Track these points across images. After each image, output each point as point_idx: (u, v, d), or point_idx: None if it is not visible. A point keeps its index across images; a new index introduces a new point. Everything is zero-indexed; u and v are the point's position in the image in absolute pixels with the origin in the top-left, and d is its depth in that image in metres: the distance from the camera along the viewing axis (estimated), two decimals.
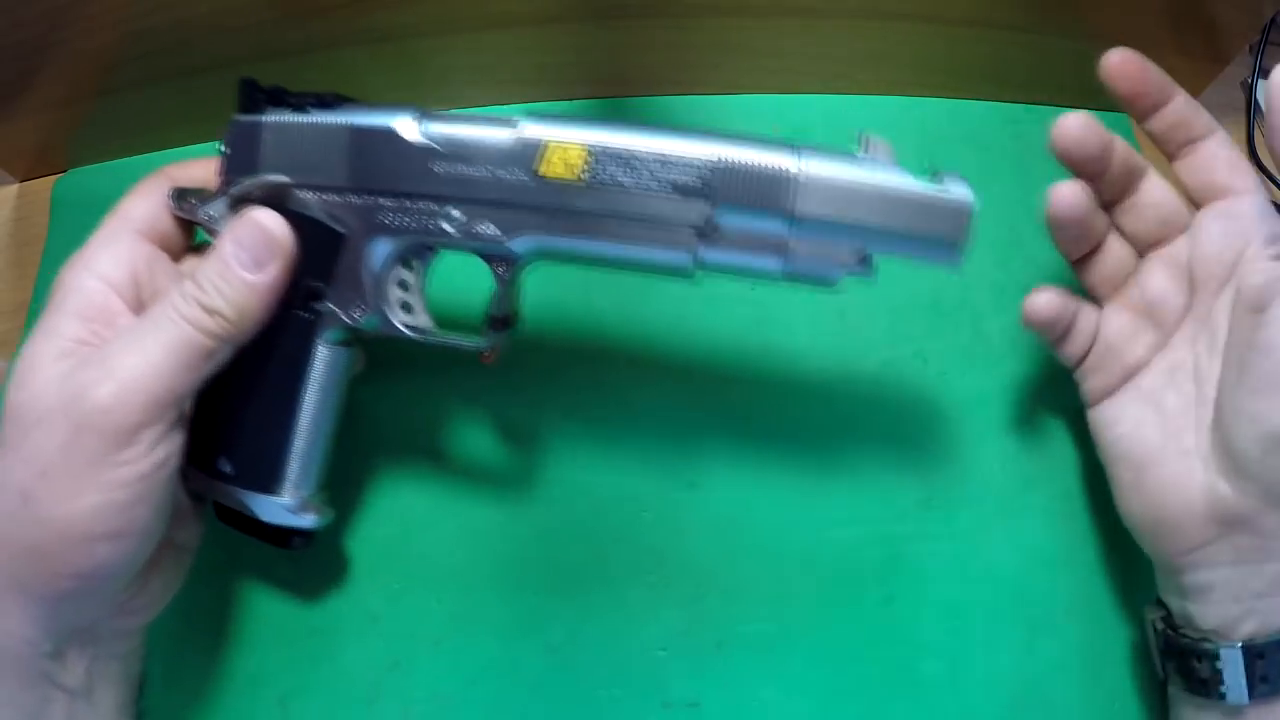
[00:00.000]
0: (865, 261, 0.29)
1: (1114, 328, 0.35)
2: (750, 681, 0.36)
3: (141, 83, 0.43)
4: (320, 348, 0.32)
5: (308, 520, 0.33)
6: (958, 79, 0.47)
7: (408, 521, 0.38)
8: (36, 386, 0.27)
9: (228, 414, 0.32)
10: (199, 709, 0.35)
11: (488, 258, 0.31)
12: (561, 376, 0.40)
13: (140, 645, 0.32)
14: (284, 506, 0.32)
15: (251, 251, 0.29)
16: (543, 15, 0.43)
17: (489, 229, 0.30)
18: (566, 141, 0.29)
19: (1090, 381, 0.36)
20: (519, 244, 0.30)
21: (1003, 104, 0.48)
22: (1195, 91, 0.48)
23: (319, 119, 0.31)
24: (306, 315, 0.32)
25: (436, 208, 0.30)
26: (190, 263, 0.33)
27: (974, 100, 0.48)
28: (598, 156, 0.29)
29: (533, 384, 0.40)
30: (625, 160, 0.29)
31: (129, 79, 0.43)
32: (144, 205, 0.31)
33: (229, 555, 0.36)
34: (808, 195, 0.28)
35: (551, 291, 0.36)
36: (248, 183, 0.31)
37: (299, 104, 0.31)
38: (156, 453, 0.27)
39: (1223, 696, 0.30)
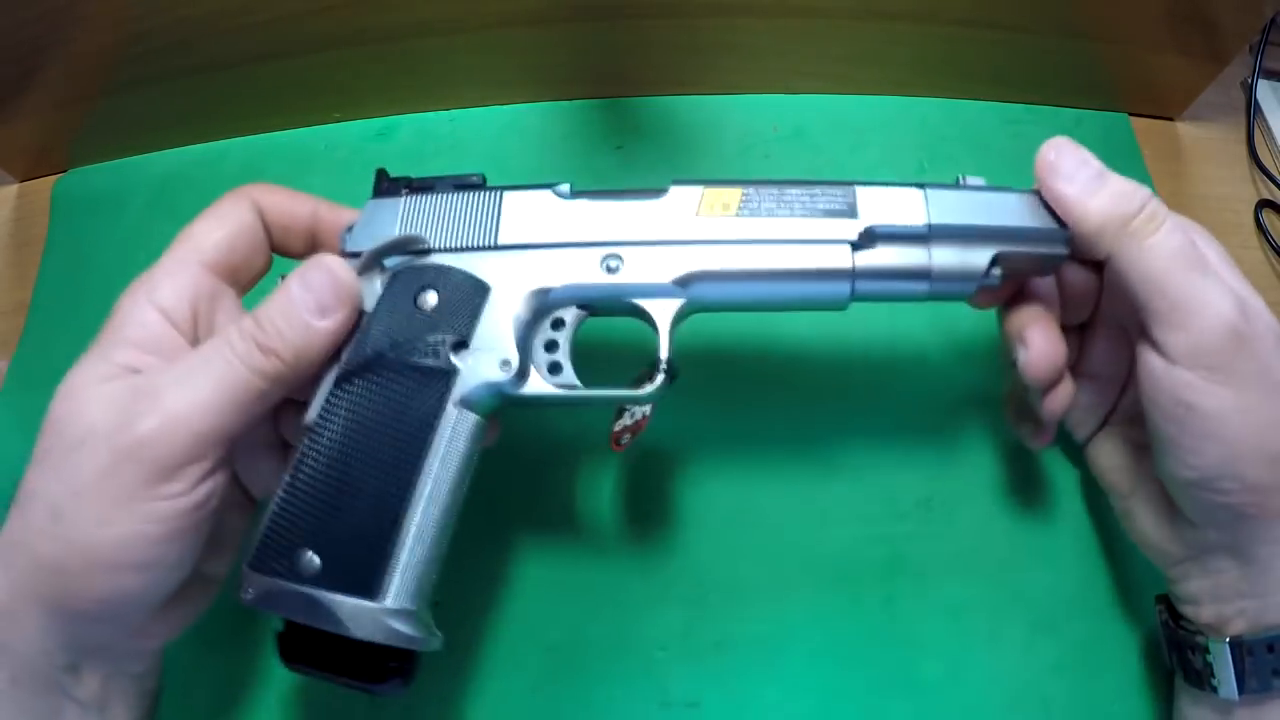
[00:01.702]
0: (993, 266, 0.31)
1: (1081, 392, 0.36)
2: (750, 681, 0.36)
3: (141, 83, 0.43)
4: (452, 410, 0.28)
5: (411, 639, 0.27)
6: (958, 79, 0.47)
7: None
8: (81, 405, 0.27)
9: (324, 493, 0.27)
10: (199, 709, 0.35)
11: (644, 308, 0.31)
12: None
13: (158, 663, 0.31)
14: (383, 614, 0.26)
15: (318, 295, 0.28)
16: (543, 15, 0.43)
17: (651, 272, 0.30)
18: (721, 188, 0.31)
19: (1073, 422, 0.37)
20: (682, 284, 0.30)
21: (1003, 104, 0.48)
22: (1195, 91, 0.49)
23: (465, 194, 0.31)
24: (442, 368, 0.29)
25: (593, 255, 0.30)
26: None
27: (974, 100, 0.48)
28: (750, 195, 0.30)
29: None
30: (776, 195, 0.31)
31: (129, 79, 0.43)
32: (219, 233, 0.30)
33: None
34: (937, 204, 0.30)
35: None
36: (382, 244, 0.30)
37: (440, 187, 0.31)
38: (197, 492, 0.27)
39: (1215, 689, 0.30)
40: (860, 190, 0.31)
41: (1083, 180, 0.30)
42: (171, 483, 0.26)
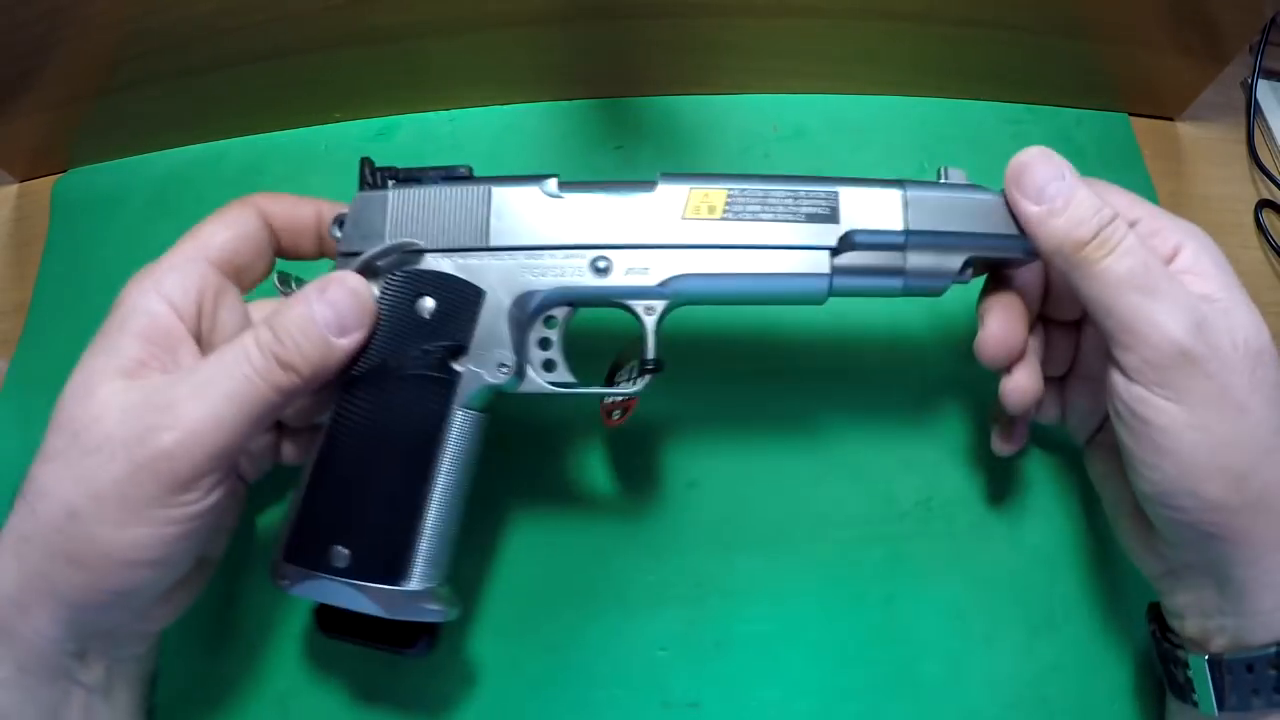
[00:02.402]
0: (966, 268, 0.32)
1: (1074, 392, 0.36)
2: (750, 681, 0.36)
3: (141, 83, 0.43)
4: (458, 412, 0.30)
5: (436, 614, 0.30)
6: (958, 79, 0.47)
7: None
8: (97, 410, 0.27)
9: (347, 495, 0.30)
10: (199, 709, 0.35)
11: (632, 305, 0.32)
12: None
13: (157, 645, 0.33)
14: (410, 598, 0.29)
15: (339, 314, 0.29)
16: (543, 15, 0.43)
17: (638, 274, 0.31)
18: (707, 189, 0.31)
19: (1071, 424, 0.37)
20: (669, 284, 0.31)
21: (1003, 104, 0.48)
22: (1195, 91, 0.49)
23: (453, 188, 0.31)
24: (444, 377, 0.30)
25: (582, 257, 0.31)
26: (261, 307, 0.32)
27: (974, 100, 0.48)
28: (735, 197, 0.31)
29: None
30: (761, 197, 0.31)
31: (129, 79, 0.43)
32: (225, 234, 0.31)
33: (229, 555, 0.36)
34: (915, 209, 0.32)
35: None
36: (379, 248, 0.30)
37: (429, 178, 0.32)
38: (211, 497, 0.28)
39: (1196, 704, 0.31)
40: (843, 192, 0.32)
41: (1047, 199, 0.30)
42: (189, 493, 0.27)
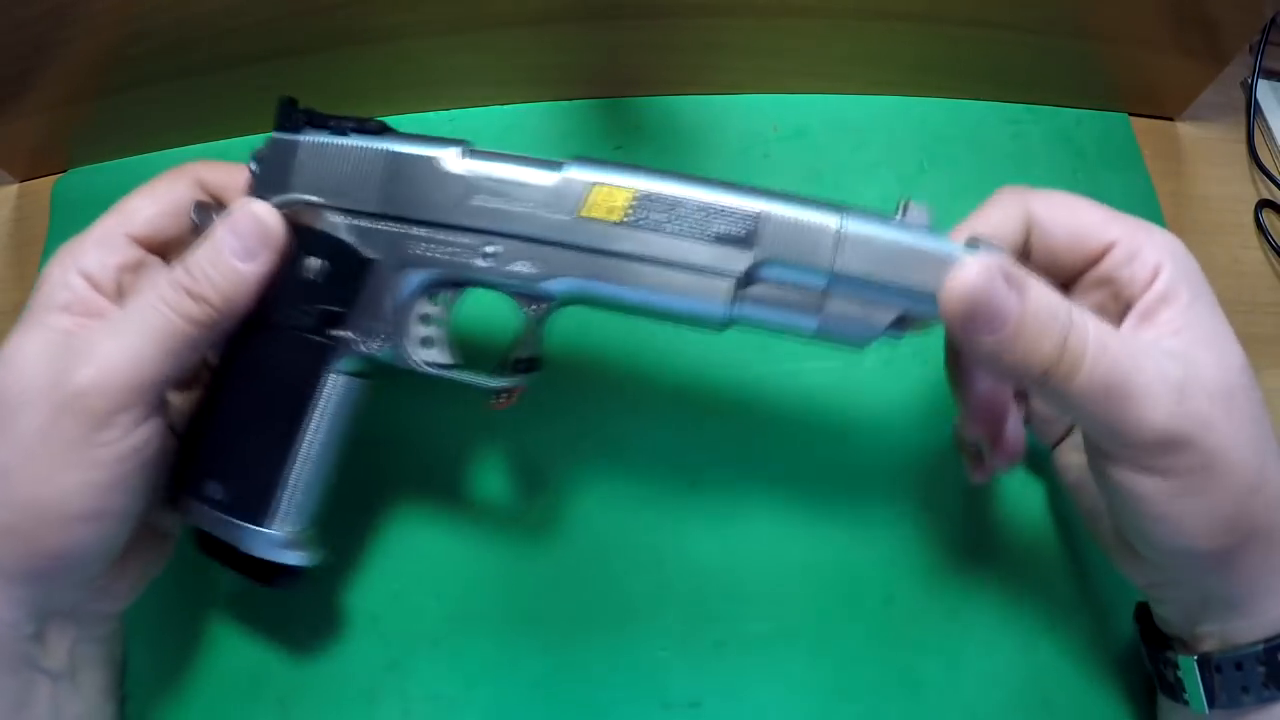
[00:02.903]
0: (898, 323, 0.29)
1: (1037, 397, 0.35)
2: (750, 681, 0.36)
3: (141, 83, 0.43)
4: (331, 376, 0.31)
5: (294, 557, 0.31)
6: (958, 79, 0.47)
7: (407, 522, 0.38)
8: (21, 370, 0.27)
9: (222, 435, 0.31)
10: (200, 709, 0.35)
11: (519, 297, 0.31)
12: (561, 377, 0.40)
13: (121, 628, 0.33)
14: (271, 541, 0.31)
15: (244, 240, 0.29)
16: (542, 15, 0.43)
17: (524, 267, 0.30)
18: (612, 185, 0.29)
19: (1036, 426, 0.37)
20: (553, 285, 0.30)
21: (1003, 104, 0.48)
22: (1195, 91, 0.49)
23: (359, 142, 0.31)
24: (321, 340, 0.31)
25: (471, 241, 0.30)
26: None
27: (974, 100, 0.48)
28: (641, 201, 0.29)
29: (531, 384, 0.40)
30: (669, 206, 0.29)
31: (129, 79, 0.43)
32: (150, 208, 0.31)
33: None
34: (848, 251, 0.28)
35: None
36: (277, 199, 0.31)
37: (339, 127, 0.31)
38: (134, 436, 0.27)
39: (1186, 703, 0.31)
40: (766, 214, 0.28)
41: (997, 329, 0.26)
42: (108, 429, 0.27)
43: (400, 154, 0.30)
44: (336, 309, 0.31)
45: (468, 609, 0.37)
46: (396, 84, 0.46)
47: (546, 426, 0.39)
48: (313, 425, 0.31)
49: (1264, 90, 0.51)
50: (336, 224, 0.31)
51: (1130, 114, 0.49)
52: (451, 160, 0.30)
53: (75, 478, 0.27)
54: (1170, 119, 0.50)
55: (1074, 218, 0.30)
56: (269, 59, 0.43)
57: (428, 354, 0.32)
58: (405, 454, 0.39)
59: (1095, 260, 0.30)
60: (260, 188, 0.31)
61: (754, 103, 0.47)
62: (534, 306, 0.31)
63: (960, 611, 0.37)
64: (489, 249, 0.30)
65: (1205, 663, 0.30)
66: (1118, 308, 0.29)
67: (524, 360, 0.32)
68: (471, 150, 0.30)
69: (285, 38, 0.42)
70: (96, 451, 0.27)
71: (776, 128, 0.47)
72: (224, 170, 0.33)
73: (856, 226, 0.28)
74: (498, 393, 0.32)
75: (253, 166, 0.32)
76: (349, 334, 0.31)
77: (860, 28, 0.44)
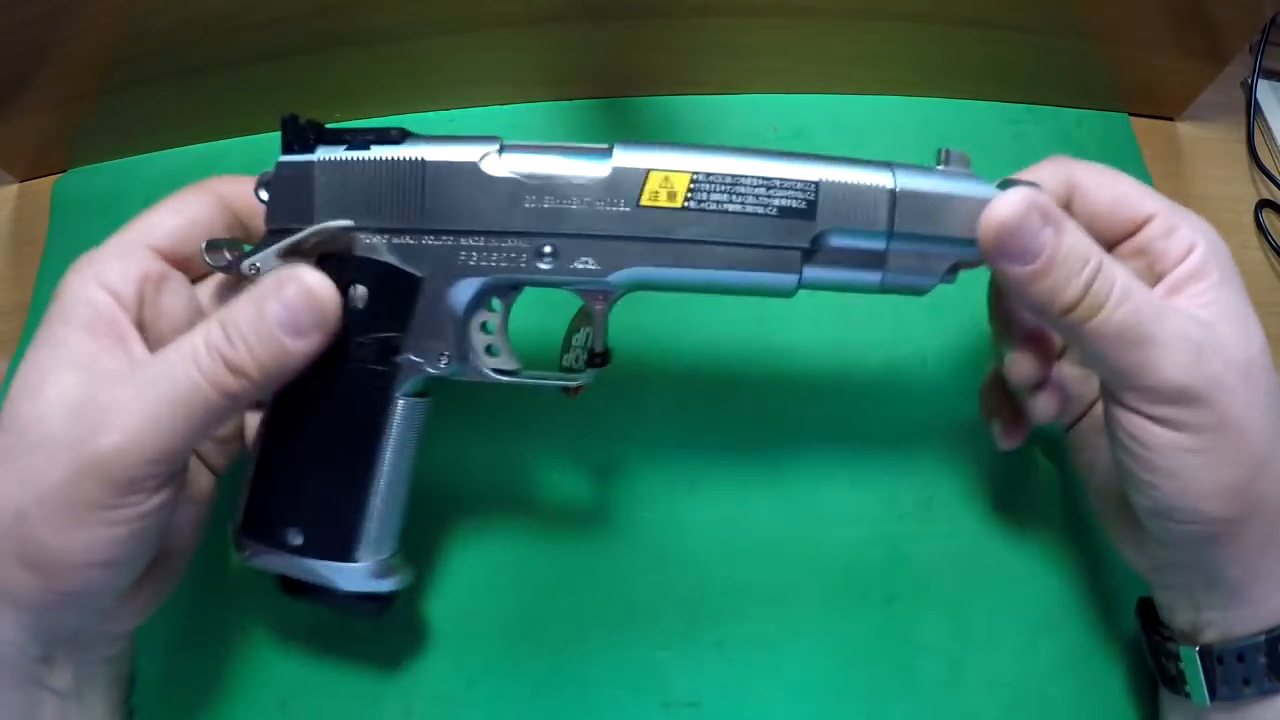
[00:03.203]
0: (954, 269, 0.30)
1: (1068, 370, 0.35)
2: (750, 681, 0.36)
3: (141, 83, 0.43)
4: (399, 402, 0.29)
5: (389, 584, 0.31)
6: (958, 79, 0.47)
7: (407, 522, 0.38)
8: (43, 405, 0.26)
9: (294, 480, 0.30)
10: (199, 710, 0.35)
11: (582, 292, 0.30)
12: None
13: (130, 647, 0.32)
14: (363, 574, 0.30)
15: (294, 314, 0.27)
16: (543, 15, 0.43)
17: (587, 264, 0.29)
18: (668, 169, 0.28)
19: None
20: (619, 276, 0.29)
21: (1003, 104, 0.48)
22: (1195, 91, 0.49)
23: (385, 153, 0.28)
24: (383, 369, 0.29)
25: (528, 244, 0.28)
26: (208, 288, 0.31)
27: (974, 100, 0.48)
28: (701, 183, 0.28)
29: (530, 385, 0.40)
30: (729, 186, 0.28)
31: (129, 79, 0.43)
32: (171, 221, 0.30)
33: (227, 556, 0.36)
34: (905, 210, 0.29)
35: (547, 292, 0.36)
36: (306, 231, 0.28)
37: (358, 140, 0.29)
38: (157, 498, 0.26)
39: (1188, 695, 0.31)
40: (825, 182, 0.28)
41: (1030, 260, 0.27)
42: (129, 496, 0.26)
43: (437, 163, 0.28)
44: (393, 335, 0.29)
45: (469, 609, 0.37)
46: (396, 84, 0.46)
47: (546, 428, 0.39)
48: (387, 455, 0.30)
49: (1264, 90, 0.51)
50: (375, 245, 0.29)
51: (1130, 114, 0.49)
52: (491, 163, 0.28)
53: (92, 534, 0.26)
54: (1170, 119, 0.50)
55: (1116, 187, 0.31)
56: (269, 59, 0.43)
57: (493, 361, 0.31)
58: None
59: (1133, 230, 0.31)
60: (278, 217, 0.29)
61: (754, 103, 0.47)
62: (599, 301, 0.30)
63: (961, 611, 0.37)
64: (547, 249, 0.29)
65: (1207, 654, 0.30)
66: (1151, 278, 0.30)
67: (597, 355, 0.31)
68: (507, 145, 0.29)
69: (285, 38, 0.42)
70: (117, 514, 0.26)
71: (776, 128, 0.47)
72: (247, 184, 0.31)
73: (909, 182, 0.29)
74: (572, 389, 0.31)
75: (262, 196, 0.29)
76: (411, 357, 0.29)
77: (860, 28, 0.44)
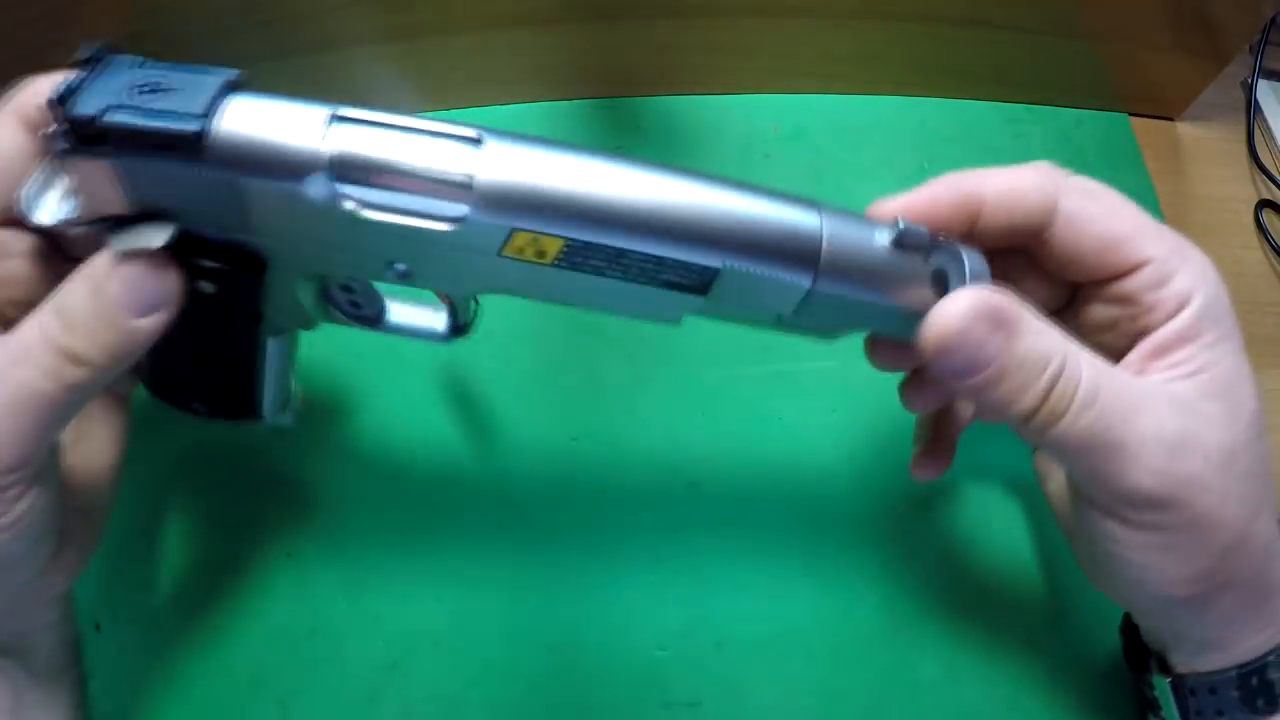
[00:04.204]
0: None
1: None
2: (750, 681, 0.36)
3: None
4: (271, 341, 0.29)
5: (289, 419, 0.33)
6: (958, 79, 0.47)
7: (407, 522, 0.38)
8: None
9: (188, 374, 0.30)
10: (199, 710, 0.35)
11: (439, 294, 0.29)
12: (562, 378, 0.40)
13: (68, 608, 0.31)
14: (265, 420, 0.32)
15: (139, 290, 0.23)
16: (543, 15, 0.43)
17: (442, 284, 0.26)
18: (538, 231, 0.23)
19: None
20: (478, 292, 0.27)
21: (1003, 104, 0.48)
22: (1195, 92, 0.49)
23: (178, 162, 0.22)
24: (247, 329, 0.28)
25: (375, 259, 0.25)
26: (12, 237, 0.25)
27: (974, 100, 0.48)
28: (577, 249, 0.23)
29: (533, 386, 0.40)
30: (613, 258, 0.23)
31: None
32: None
33: (228, 556, 0.36)
34: (817, 308, 0.25)
35: None
36: (129, 241, 0.23)
37: (155, 148, 0.22)
38: (21, 503, 0.24)
39: None
40: (726, 272, 0.24)
41: (979, 370, 0.24)
42: None
43: (252, 183, 0.23)
44: (249, 314, 0.28)
45: (468, 609, 0.37)
46: (396, 84, 0.46)
47: (545, 427, 0.39)
48: (268, 363, 0.30)
49: (1264, 90, 0.51)
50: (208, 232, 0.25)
51: (1130, 114, 0.49)
52: (320, 185, 0.23)
53: None
54: (1170, 119, 0.50)
55: (1109, 225, 0.27)
56: (268, 59, 0.43)
57: (359, 312, 0.30)
58: (403, 455, 0.39)
59: (1122, 275, 0.27)
60: (82, 211, 0.23)
61: (754, 103, 0.47)
62: (459, 300, 0.29)
63: (960, 611, 0.37)
64: (400, 266, 0.25)
65: (1179, 684, 0.30)
66: (1133, 329, 0.27)
67: (459, 327, 0.30)
68: (340, 157, 0.22)
69: (285, 38, 0.42)
70: None
71: (776, 128, 0.47)
72: (48, 84, 0.24)
73: (831, 287, 0.25)
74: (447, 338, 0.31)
75: (59, 147, 0.22)
76: (273, 321, 0.28)
77: (860, 28, 0.44)
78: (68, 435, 0.28)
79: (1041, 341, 0.24)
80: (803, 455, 0.39)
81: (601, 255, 0.23)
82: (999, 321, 0.24)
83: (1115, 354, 0.28)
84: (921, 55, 0.46)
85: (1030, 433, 0.25)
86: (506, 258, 0.24)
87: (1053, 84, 0.48)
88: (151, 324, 0.24)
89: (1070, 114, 0.48)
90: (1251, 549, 0.26)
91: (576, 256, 0.23)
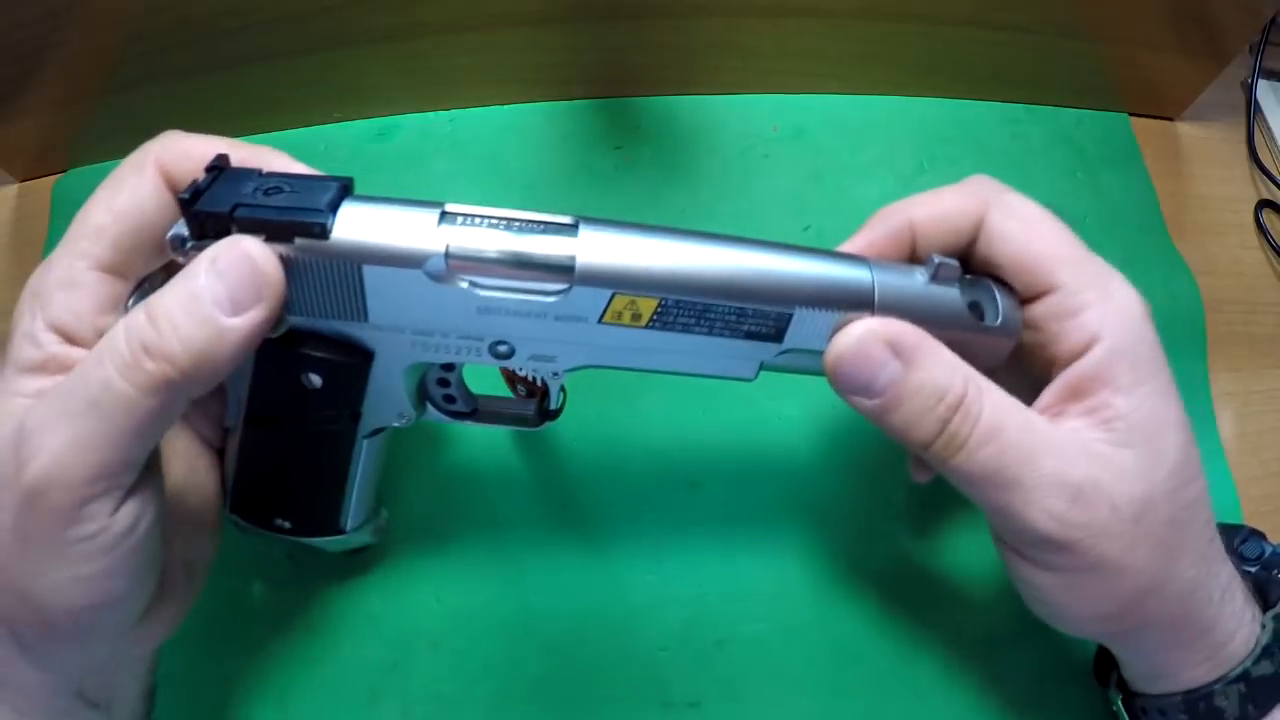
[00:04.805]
0: None
1: None
2: (750, 681, 0.36)
3: (141, 83, 0.43)
4: (364, 442, 0.30)
5: (367, 537, 0.34)
6: (958, 79, 0.47)
7: (407, 522, 0.38)
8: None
9: (277, 485, 0.31)
10: (198, 710, 0.35)
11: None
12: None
13: (154, 661, 0.31)
14: (345, 538, 0.33)
15: (230, 286, 0.23)
16: (543, 15, 0.43)
17: (539, 360, 0.28)
18: (636, 294, 0.26)
19: None
20: (571, 365, 0.28)
21: (1002, 104, 0.48)
22: (1195, 91, 0.49)
23: (313, 251, 0.25)
24: (344, 429, 0.30)
25: (480, 342, 0.27)
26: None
27: (974, 100, 0.48)
28: (670, 308, 0.26)
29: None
30: (699, 312, 0.27)
31: (129, 79, 0.43)
32: (114, 227, 0.26)
33: (227, 556, 0.36)
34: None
35: None
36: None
37: (279, 233, 0.24)
38: (118, 522, 0.23)
39: None
40: (799, 314, 0.27)
41: (876, 394, 0.26)
42: (81, 524, 0.23)
43: (375, 270, 0.25)
44: (350, 410, 0.29)
45: (468, 609, 0.37)
46: (396, 84, 0.46)
47: (545, 428, 0.39)
48: (359, 471, 0.31)
49: (1264, 90, 0.51)
50: (320, 327, 0.27)
51: (1130, 114, 0.49)
52: (438, 267, 0.25)
53: (62, 574, 0.23)
54: (1170, 119, 0.50)
55: (1027, 244, 0.27)
56: (269, 59, 0.43)
57: (452, 407, 0.32)
58: (404, 456, 0.39)
59: (1034, 298, 0.28)
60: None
61: (754, 103, 0.47)
62: (554, 375, 0.29)
63: (961, 611, 0.37)
64: (502, 347, 0.27)
65: (1131, 704, 0.30)
66: (1044, 358, 0.28)
67: (550, 413, 0.32)
68: (447, 217, 0.25)
69: (285, 38, 0.42)
70: (76, 547, 0.23)
71: (776, 128, 0.47)
72: (195, 145, 0.26)
73: (885, 302, 0.27)
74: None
75: (178, 258, 0.25)
76: (370, 420, 0.30)
77: (860, 28, 0.44)
78: (171, 481, 0.28)
79: (940, 373, 0.25)
80: (803, 456, 0.39)
81: (690, 311, 0.27)
82: (898, 349, 0.26)
83: (1037, 384, 0.28)
84: (921, 55, 0.46)
85: (932, 461, 0.26)
86: (606, 324, 0.27)
87: (1052, 84, 0.48)
88: (244, 324, 0.23)
89: (1070, 114, 0.48)
90: (1166, 594, 0.26)
91: (669, 315, 0.27)
